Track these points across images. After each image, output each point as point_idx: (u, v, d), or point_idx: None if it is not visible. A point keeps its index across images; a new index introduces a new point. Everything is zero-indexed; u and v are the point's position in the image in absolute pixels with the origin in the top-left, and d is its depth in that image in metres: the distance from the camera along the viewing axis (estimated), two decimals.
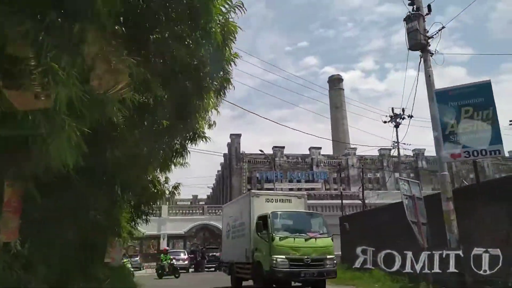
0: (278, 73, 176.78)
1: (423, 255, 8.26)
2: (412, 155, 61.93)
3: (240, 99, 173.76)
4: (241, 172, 55.21)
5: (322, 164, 55.93)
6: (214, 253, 29.26)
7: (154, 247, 49.19)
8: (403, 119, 25.29)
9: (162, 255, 23.53)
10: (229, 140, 58.68)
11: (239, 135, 57.69)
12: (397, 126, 25.73)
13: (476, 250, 7.77)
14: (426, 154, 60.84)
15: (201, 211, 48.12)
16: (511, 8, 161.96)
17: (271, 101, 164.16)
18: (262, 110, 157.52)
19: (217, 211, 48.78)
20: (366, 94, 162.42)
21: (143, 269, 35.80)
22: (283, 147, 57.41)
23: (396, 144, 26.50)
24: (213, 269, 29.02)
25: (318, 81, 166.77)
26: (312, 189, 46.12)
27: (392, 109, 25.84)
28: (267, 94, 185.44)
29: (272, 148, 57.59)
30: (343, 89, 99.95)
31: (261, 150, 31.75)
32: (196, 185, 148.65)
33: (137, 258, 37.67)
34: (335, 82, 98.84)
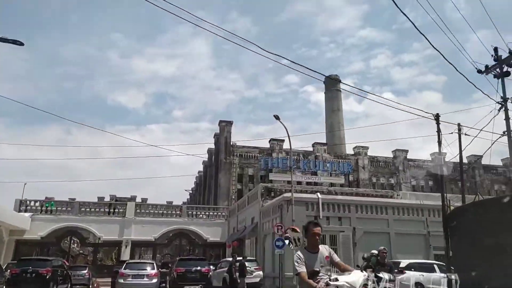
0: (258, 89, 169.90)
1: None
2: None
3: (219, 113, 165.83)
4: (230, 167, 44.91)
5: (316, 171, 46.01)
6: (197, 267, 18.84)
7: (113, 256, 38.22)
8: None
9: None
10: (218, 130, 48.44)
11: (230, 123, 47.49)
12: (505, 75, 16.33)
13: None
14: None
15: (178, 213, 37.48)
16: (483, 40, 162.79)
17: (249, 117, 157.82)
18: (240, 124, 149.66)
19: (199, 213, 38.33)
20: (345, 115, 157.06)
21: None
22: (283, 141, 47.50)
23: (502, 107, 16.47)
24: None
25: (298, 99, 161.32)
26: (333, 185, 36.49)
27: (496, 49, 16.40)
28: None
29: (269, 141, 47.69)
30: (341, 91, 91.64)
31: (277, 119, 21.64)
32: (171, 192, 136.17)
33: (85, 271, 26.78)
34: (332, 83, 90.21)
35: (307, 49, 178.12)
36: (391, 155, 52.59)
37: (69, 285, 21.89)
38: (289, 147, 47.63)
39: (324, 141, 54.42)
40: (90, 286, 25.27)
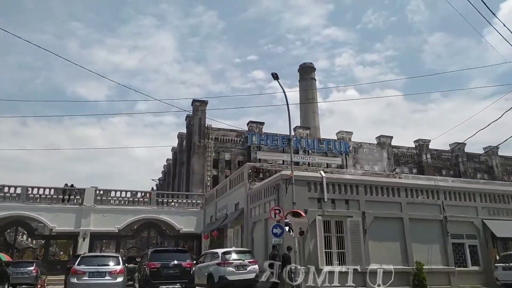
0: (225, 83, 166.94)
1: None
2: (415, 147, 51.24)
3: (186, 106, 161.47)
4: (205, 151, 40.52)
5: (310, 150, 42.78)
6: (177, 261, 14.57)
7: (68, 251, 33.04)
8: None
9: None
10: (190, 112, 43.72)
11: (205, 102, 42.91)
12: None
13: None
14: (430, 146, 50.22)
15: (146, 200, 32.86)
16: (440, 42, 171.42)
17: (213, 112, 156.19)
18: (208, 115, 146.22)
19: (170, 201, 33.90)
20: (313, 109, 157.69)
21: None
22: (262, 123, 43.63)
23: None
24: None
25: (264, 96, 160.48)
26: (328, 166, 33.03)
27: None
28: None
29: (248, 123, 43.64)
30: (316, 80, 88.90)
31: (275, 78, 17.67)
32: (135, 187, 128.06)
33: (32, 268, 21.93)
34: (307, 71, 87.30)
35: (274, 46, 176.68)
36: (375, 142, 50.11)
37: (7, 285, 17.24)
38: (268, 131, 44.07)
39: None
40: (39, 286, 20.43)
